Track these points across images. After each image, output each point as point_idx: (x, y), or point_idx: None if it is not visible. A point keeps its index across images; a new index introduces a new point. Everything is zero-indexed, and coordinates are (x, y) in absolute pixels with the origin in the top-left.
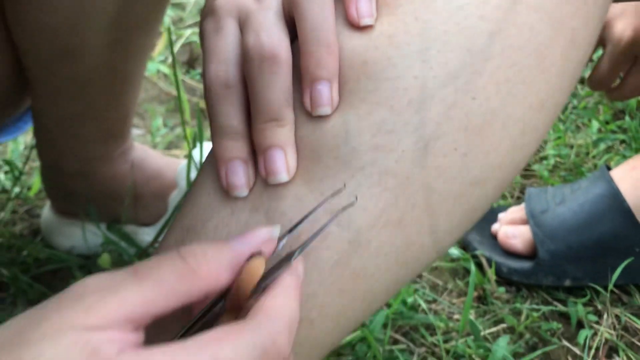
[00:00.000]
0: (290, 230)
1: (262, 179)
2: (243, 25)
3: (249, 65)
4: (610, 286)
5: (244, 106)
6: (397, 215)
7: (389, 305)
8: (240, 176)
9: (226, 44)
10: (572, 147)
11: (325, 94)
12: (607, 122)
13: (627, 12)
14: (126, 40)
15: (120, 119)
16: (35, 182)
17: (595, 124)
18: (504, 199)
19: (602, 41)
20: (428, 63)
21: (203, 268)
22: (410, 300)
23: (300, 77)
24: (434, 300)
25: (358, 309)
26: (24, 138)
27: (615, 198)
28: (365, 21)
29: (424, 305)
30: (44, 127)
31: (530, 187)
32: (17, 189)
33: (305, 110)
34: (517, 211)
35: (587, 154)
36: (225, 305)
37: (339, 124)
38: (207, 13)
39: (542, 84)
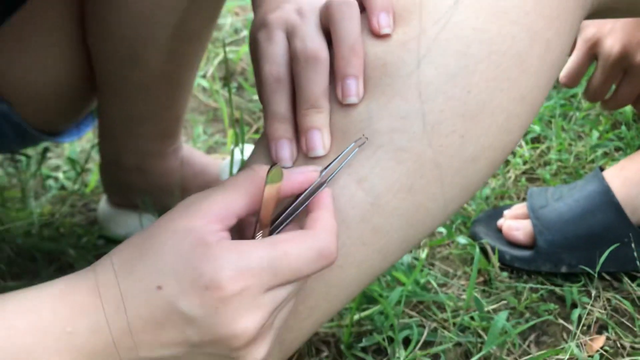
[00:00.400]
0: (327, 167)
1: (303, 154)
2: (290, 34)
3: (296, 65)
4: (597, 268)
5: (291, 97)
6: (408, 183)
7: (403, 284)
8: (286, 151)
9: (277, 49)
10: (573, 153)
11: (353, 87)
12: (606, 132)
13: (615, 29)
14: (182, 51)
15: (174, 120)
16: (92, 180)
17: (595, 133)
18: (511, 200)
19: (594, 56)
20: (433, 64)
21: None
22: (423, 280)
23: (334, 75)
24: (445, 284)
25: (376, 260)
26: (79, 142)
27: (606, 194)
28: (385, 30)
29: (435, 285)
30: (107, 126)
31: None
32: (76, 186)
33: (337, 100)
34: (520, 208)
35: (586, 159)
36: (260, 216)
37: (364, 111)
38: (259, 26)
39: (522, 81)
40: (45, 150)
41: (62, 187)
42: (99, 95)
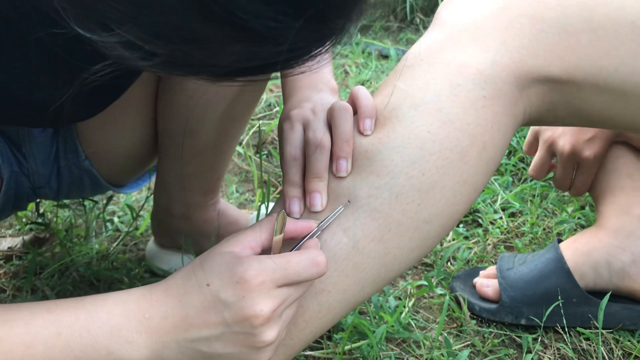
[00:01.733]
0: (322, 221)
1: (308, 209)
2: (305, 126)
3: (307, 148)
4: (543, 320)
5: (302, 170)
6: (379, 234)
7: (386, 323)
8: (296, 206)
9: (295, 136)
10: (542, 227)
11: (344, 166)
12: (575, 211)
13: (565, 131)
14: (227, 127)
15: (216, 179)
16: (142, 224)
17: (565, 211)
18: (490, 263)
19: (553, 153)
20: (399, 154)
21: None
22: (405, 322)
23: (332, 156)
24: (425, 327)
25: (356, 289)
26: (133, 194)
27: (559, 261)
28: (367, 132)
29: (415, 327)
30: (163, 181)
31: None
32: (129, 229)
33: (333, 174)
34: (492, 269)
35: (553, 232)
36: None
37: (351, 182)
38: (285, 118)
39: (464, 170)
40: (111, 197)
41: (117, 229)
42: (159, 157)
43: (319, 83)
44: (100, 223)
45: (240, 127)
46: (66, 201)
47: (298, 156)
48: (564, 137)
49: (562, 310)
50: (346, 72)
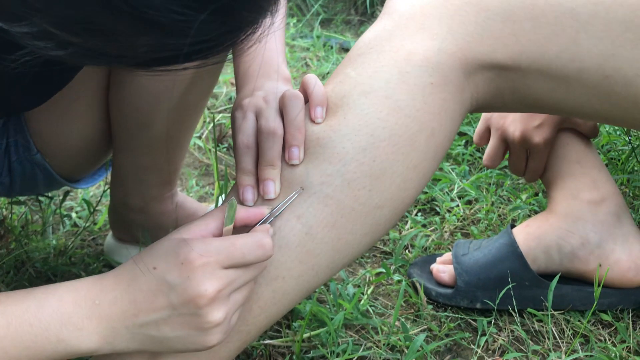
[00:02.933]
0: (275, 207)
1: (261, 197)
2: (258, 115)
3: (260, 136)
4: (496, 304)
5: (255, 158)
6: (332, 220)
7: (344, 309)
8: (249, 194)
9: (248, 125)
10: (497, 213)
11: (296, 153)
12: (529, 197)
13: (515, 119)
14: (181, 118)
15: (172, 171)
16: (100, 219)
17: (519, 198)
18: (446, 250)
19: (505, 141)
20: (350, 141)
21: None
22: (363, 309)
23: (284, 144)
24: (383, 314)
25: (310, 275)
26: (90, 188)
27: (512, 246)
28: (318, 120)
29: (372, 313)
30: (118, 174)
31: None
32: (87, 223)
33: (286, 161)
34: (449, 255)
35: (508, 219)
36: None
37: (303, 169)
38: (237, 107)
39: (413, 156)
40: (67, 193)
41: (75, 224)
42: (114, 150)
43: (272, 72)
44: (58, 219)
45: (194, 117)
46: (21, 198)
47: (251, 144)
48: (513, 124)
49: (515, 293)
50: (307, 65)
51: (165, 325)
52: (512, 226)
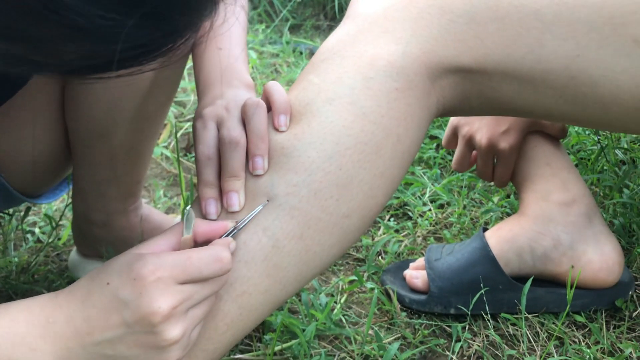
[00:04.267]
0: (240, 221)
1: (225, 210)
2: (219, 124)
3: (222, 146)
4: (470, 308)
5: (217, 169)
6: (299, 232)
7: (316, 320)
8: (212, 207)
9: (209, 135)
10: (469, 216)
11: (260, 163)
12: (501, 200)
13: (482, 125)
14: (142, 127)
15: (134, 183)
16: (64, 234)
17: (490, 201)
18: (420, 255)
19: (472, 147)
20: (315, 150)
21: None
22: (336, 318)
23: (248, 154)
24: (357, 323)
25: (277, 289)
26: (54, 202)
27: (484, 249)
28: (282, 128)
29: (345, 323)
30: (79, 188)
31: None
32: (50, 239)
33: (249, 172)
34: (422, 261)
35: (479, 222)
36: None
37: (268, 180)
38: (197, 117)
39: (379, 163)
40: (29, 209)
41: (38, 240)
42: (74, 163)
43: (233, 79)
44: (20, 235)
45: (155, 126)
46: None
47: (212, 155)
48: (480, 131)
49: (489, 298)
50: (277, 72)
51: (121, 343)
52: (485, 229)
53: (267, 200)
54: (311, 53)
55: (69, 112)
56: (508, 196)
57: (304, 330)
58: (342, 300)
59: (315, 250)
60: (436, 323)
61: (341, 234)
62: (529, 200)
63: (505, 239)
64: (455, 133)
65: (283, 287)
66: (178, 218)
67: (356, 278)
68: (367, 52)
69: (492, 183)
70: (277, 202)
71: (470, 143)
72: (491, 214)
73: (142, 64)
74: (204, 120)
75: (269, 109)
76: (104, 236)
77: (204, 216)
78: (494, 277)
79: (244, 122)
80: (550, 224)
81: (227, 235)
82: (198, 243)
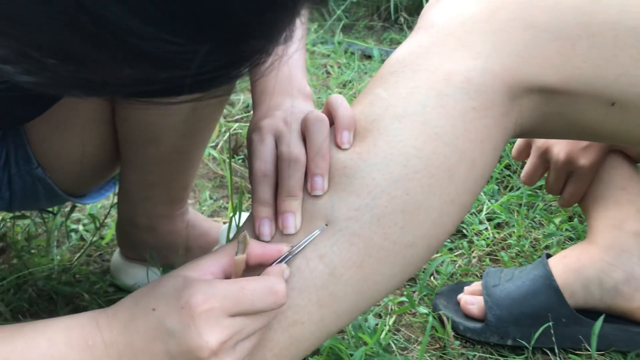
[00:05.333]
0: (296, 245)
1: (280, 231)
2: (277, 138)
3: (280, 163)
4: (532, 343)
5: (274, 187)
6: (359, 260)
7: (366, 344)
8: (266, 228)
9: (266, 149)
10: (530, 239)
11: (319, 183)
12: (563, 222)
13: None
14: (192, 132)
15: (182, 188)
16: (108, 234)
17: (552, 223)
18: (474, 277)
19: (547, 160)
20: (381, 172)
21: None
22: (385, 343)
23: (307, 172)
24: (406, 348)
25: (331, 319)
26: (101, 201)
27: (548, 278)
28: (345, 146)
29: (395, 348)
30: (126, 190)
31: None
32: (94, 238)
33: (308, 192)
34: (477, 285)
35: (541, 245)
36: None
37: (328, 201)
38: (253, 129)
39: (451, 189)
40: (74, 206)
41: (82, 238)
42: (121, 165)
43: (292, 88)
44: (63, 232)
45: (206, 131)
46: (26, 212)
47: (269, 172)
48: (559, 144)
49: (549, 331)
50: (328, 73)
51: None
52: (548, 256)
53: (326, 225)
54: (363, 54)
55: (120, 115)
56: (570, 218)
57: (351, 355)
58: (391, 322)
59: (375, 280)
60: (491, 354)
61: (404, 263)
62: (599, 227)
63: (571, 268)
64: (529, 144)
65: (337, 318)
66: (225, 226)
67: (407, 300)
68: (442, 67)
69: (553, 202)
70: (337, 227)
71: (545, 156)
72: (553, 238)
73: (207, 90)
74: (262, 133)
75: (331, 123)
76: (148, 240)
77: (257, 237)
78: (557, 309)
79: (304, 137)
80: (623, 255)
81: (281, 261)
82: (250, 266)
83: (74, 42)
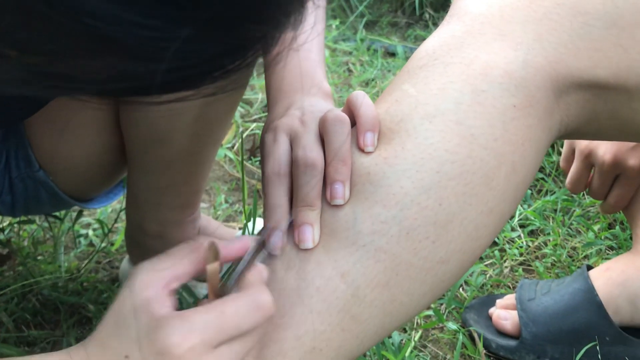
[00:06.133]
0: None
1: (295, 244)
2: (293, 140)
3: (296, 168)
4: None
5: (288, 192)
6: (385, 279)
7: None
8: (277, 239)
9: (280, 150)
10: (567, 248)
11: (340, 191)
12: (602, 230)
13: None
14: (203, 133)
15: (193, 193)
16: (117, 239)
17: (591, 231)
18: (507, 289)
19: (591, 164)
20: (410, 179)
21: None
22: None
23: (325, 179)
24: None
25: (354, 345)
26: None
27: (589, 292)
28: (369, 149)
29: None
30: (134, 195)
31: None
32: (103, 244)
33: (327, 200)
34: (510, 298)
35: (579, 255)
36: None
37: (350, 212)
38: (268, 128)
39: (489, 197)
40: (81, 211)
41: (91, 244)
42: (128, 169)
43: (310, 86)
44: (71, 237)
45: (219, 132)
46: (32, 217)
47: (282, 174)
48: (604, 145)
49: (592, 350)
50: (349, 71)
51: None
52: (589, 267)
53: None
54: (387, 51)
55: (125, 115)
56: (611, 225)
57: None
58: (417, 338)
59: (402, 301)
60: None
61: (434, 281)
62: None
63: (615, 282)
64: (573, 149)
65: (360, 342)
66: (239, 233)
67: (433, 314)
68: (478, 59)
69: (591, 207)
70: (361, 241)
71: (588, 159)
72: (593, 247)
73: (198, 87)
74: (276, 133)
75: (353, 124)
76: (158, 248)
77: (268, 246)
78: (600, 327)
79: (322, 139)
80: None
81: (254, 254)
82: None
83: (28, 28)
